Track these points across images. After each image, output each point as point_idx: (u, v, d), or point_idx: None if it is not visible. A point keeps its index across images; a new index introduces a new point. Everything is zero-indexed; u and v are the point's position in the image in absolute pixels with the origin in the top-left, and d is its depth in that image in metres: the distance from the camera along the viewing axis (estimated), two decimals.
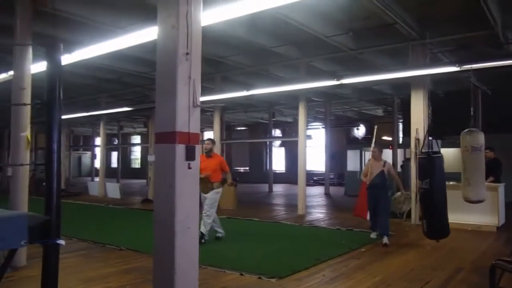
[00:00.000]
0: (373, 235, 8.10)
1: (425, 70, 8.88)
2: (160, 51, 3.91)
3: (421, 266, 6.12)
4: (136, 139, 35.73)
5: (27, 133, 5.87)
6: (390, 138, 18.47)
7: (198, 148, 3.96)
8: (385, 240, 7.54)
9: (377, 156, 8.09)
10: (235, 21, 6.54)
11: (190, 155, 3.80)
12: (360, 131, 24.21)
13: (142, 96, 16.41)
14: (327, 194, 18.74)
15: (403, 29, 8.54)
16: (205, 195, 7.52)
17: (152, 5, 6.60)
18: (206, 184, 7.41)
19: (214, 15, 5.26)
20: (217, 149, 14.36)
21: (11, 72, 7.07)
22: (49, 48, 3.41)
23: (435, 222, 6.06)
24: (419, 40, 9.09)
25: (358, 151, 18.51)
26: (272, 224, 10.33)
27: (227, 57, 10.95)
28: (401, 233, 8.68)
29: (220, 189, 7.79)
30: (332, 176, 21.87)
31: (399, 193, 9.61)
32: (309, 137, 15.01)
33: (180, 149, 3.74)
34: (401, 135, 19.22)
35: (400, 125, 19.48)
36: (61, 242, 3.04)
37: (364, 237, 8.20)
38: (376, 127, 10.17)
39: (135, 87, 15.05)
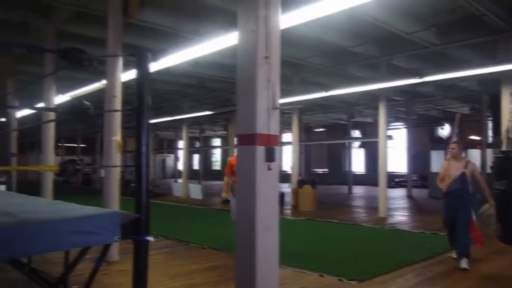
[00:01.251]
0: (453, 254, 6.46)
1: None
2: (241, 55, 4.02)
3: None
4: (217, 141, 36.78)
5: (118, 137, 6.29)
6: (478, 138, 17.40)
7: (277, 150, 4.02)
8: (464, 264, 5.90)
9: (456, 154, 6.38)
10: (312, 22, 6.54)
11: (269, 157, 3.87)
12: (445, 131, 23.05)
13: (222, 100, 16.89)
14: (409, 196, 18.07)
15: (491, 21, 8.04)
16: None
17: (232, 11, 6.83)
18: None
19: (292, 18, 5.31)
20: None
21: (104, 81, 7.62)
22: (138, 58, 3.65)
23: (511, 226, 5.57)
24: (509, 32, 8.50)
25: (443, 152, 17.64)
26: (352, 226, 10.17)
27: (305, 59, 10.94)
28: (490, 239, 8.15)
29: None
30: (414, 178, 21.04)
31: (487, 205, 6.57)
32: (390, 137, 14.57)
33: (260, 150, 3.82)
34: (490, 134, 18.03)
35: (490, 124, 18.28)
36: (150, 238, 3.24)
37: None
38: (458, 115, 8.11)
39: (216, 91, 15.52)
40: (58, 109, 6.55)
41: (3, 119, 13.81)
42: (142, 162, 3.38)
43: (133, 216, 3.01)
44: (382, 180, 12.07)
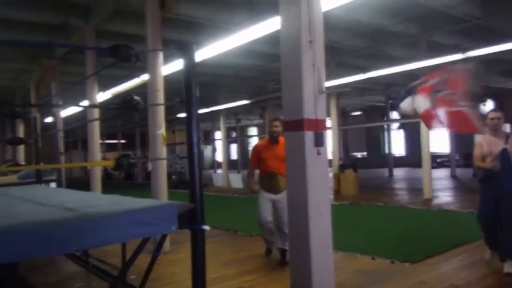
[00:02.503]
0: (488, 255, 5.20)
1: None
2: (284, 41, 4.00)
3: None
4: (253, 130, 36.86)
5: (162, 130, 6.40)
6: None
7: (325, 134, 4.00)
8: (508, 267, 4.68)
9: (497, 126, 4.86)
10: (349, 4, 6.42)
11: (319, 141, 3.86)
12: (487, 107, 22.28)
13: (258, 88, 16.88)
14: (453, 176, 17.64)
15: None
16: (276, 196, 5.42)
17: None
18: (277, 181, 5.38)
19: (331, 0, 5.23)
20: (330, 135, 14.29)
21: (143, 77, 7.75)
22: (184, 50, 3.70)
23: None
24: None
25: (486, 129, 17.09)
26: (398, 208, 10.02)
27: (341, 41, 10.77)
28: None
29: None
30: (457, 157, 20.48)
31: None
32: None
33: (309, 135, 3.81)
34: None
35: None
36: (206, 227, 3.31)
37: None
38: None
39: (251, 80, 15.51)
40: (110, 105, 6.70)
41: (50, 120, 14.31)
42: (194, 153, 3.43)
43: (188, 206, 3.07)
44: (426, 160, 11.82)
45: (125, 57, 3.69)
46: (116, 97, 12.10)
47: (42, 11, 8.18)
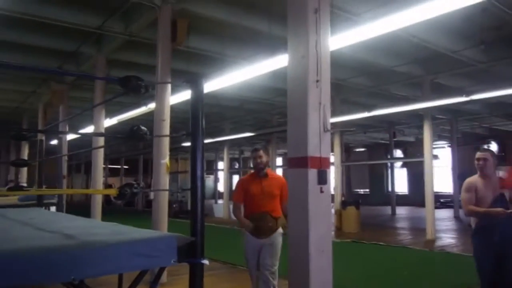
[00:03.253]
0: None
1: None
2: (291, 79, 4.08)
3: None
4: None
5: (166, 160, 6.43)
6: None
7: (329, 172, 4.02)
8: None
9: (483, 167, 4.27)
10: (357, 44, 6.56)
11: (322, 179, 3.87)
12: (491, 149, 22.29)
13: (262, 121, 17.01)
14: (456, 217, 17.47)
15: None
16: (263, 240, 4.42)
17: (276, 36, 6.95)
18: (266, 222, 4.39)
19: (340, 41, 5.34)
20: (333, 171, 14.25)
21: (150, 105, 7.85)
22: (193, 83, 3.77)
23: None
24: None
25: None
26: (400, 248, 9.91)
27: (347, 79, 10.92)
28: None
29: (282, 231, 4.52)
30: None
31: None
32: (435, 157, 14.21)
33: (312, 173, 3.83)
34: None
35: None
36: (206, 262, 3.28)
37: None
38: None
39: (256, 113, 15.66)
40: (116, 134, 6.69)
41: (55, 143, 14.41)
42: (198, 186, 3.44)
43: (188, 240, 3.06)
44: (429, 200, 11.74)
45: (135, 88, 3.77)
46: (121, 124, 12.21)
47: (56, 38, 8.36)
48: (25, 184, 12.79)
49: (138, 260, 2.90)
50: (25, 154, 15.02)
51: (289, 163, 4.11)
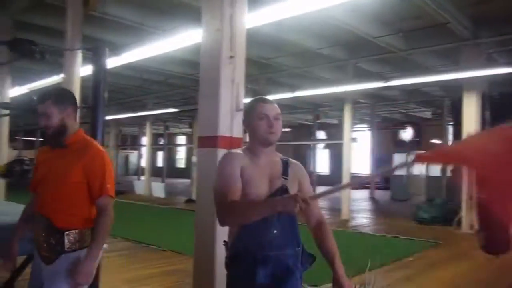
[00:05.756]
0: None
1: (478, 71, 8.47)
2: (204, 54, 3.87)
3: (474, 280, 5.80)
4: (182, 139, 36.34)
5: None
6: (439, 142, 17.83)
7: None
8: None
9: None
10: (280, 23, 6.45)
11: None
12: (407, 134, 23.52)
13: (187, 97, 16.62)
14: (372, 198, 18.32)
15: (456, 28, 8.16)
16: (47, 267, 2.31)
17: (197, 7, 6.66)
18: (43, 235, 2.32)
19: (260, 17, 5.19)
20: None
21: (62, 75, 7.30)
22: (94, 52, 3.45)
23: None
24: (473, 40, 8.66)
25: (405, 154, 17.99)
26: None
27: (273, 59, 10.86)
28: (451, 242, 8.30)
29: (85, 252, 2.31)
30: (377, 180, 21.38)
31: None
32: (354, 140, 14.69)
33: (222, 153, 3.67)
34: (451, 138, 18.52)
35: (450, 128, 18.77)
36: (104, 245, 3.04)
37: (411, 245, 7.89)
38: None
39: (181, 88, 15.24)
40: (9, 105, 6.06)
41: None
42: None
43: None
44: (346, 181, 12.13)
45: (27, 52, 3.38)
46: (33, 93, 11.35)
47: None
48: None
49: (25, 244, 2.63)
50: None
51: (198, 142, 3.92)
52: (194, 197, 15.83)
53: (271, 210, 1.88)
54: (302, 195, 1.80)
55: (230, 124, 3.75)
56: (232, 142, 3.75)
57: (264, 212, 1.91)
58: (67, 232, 2.28)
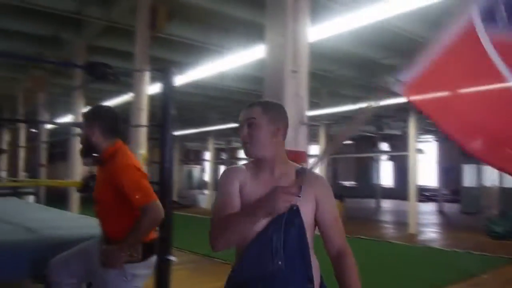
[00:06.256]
0: None
1: None
2: (268, 69, 3.94)
3: None
4: (242, 153, 36.77)
5: (143, 150, 6.27)
6: None
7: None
8: None
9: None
10: (341, 35, 6.42)
11: None
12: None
13: None
14: (440, 212, 17.56)
15: None
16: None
17: (260, 24, 6.78)
18: (102, 246, 2.50)
19: (321, 31, 5.21)
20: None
21: (131, 94, 7.68)
22: (163, 73, 3.61)
23: None
24: None
25: (475, 166, 17.13)
26: (382, 243, 9.88)
27: (333, 71, 10.79)
28: None
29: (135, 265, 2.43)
30: (445, 192, 20.48)
31: None
32: (420, 151, 14.21)
33: None
34: None
35: None
36: (173, 258, 3.16)
37: (485, 261, 7.47)
38: None
39: (242, 103, 15.47)
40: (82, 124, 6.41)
41: (34, 130, 14.12)
42: (166, 179, 3.32)
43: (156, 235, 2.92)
44: (412, 194, 11.74)
45: (102, 75, 3.60)
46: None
47: (35, 23, 8.09)
48: (4, 173, 12.54)
49: None
50: (4, 142, 14.72)
51: None
52: None
53: (252, 218, 1.56)
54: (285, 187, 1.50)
55: (295, 138, 3.76)
56: (297, 156, 3.76)
57: (243, 222, 1.59)
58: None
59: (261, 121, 1.69)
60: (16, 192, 6.82)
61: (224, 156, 31.93)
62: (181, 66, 8.39)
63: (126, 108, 10.66)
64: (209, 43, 8.39)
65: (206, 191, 23.51)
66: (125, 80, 8.05)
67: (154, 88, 6.85)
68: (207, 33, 8.21)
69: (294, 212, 1.62)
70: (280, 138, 1.74)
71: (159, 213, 2.40)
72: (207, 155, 23.11)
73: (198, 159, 34.53)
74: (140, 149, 6.17)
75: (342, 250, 1.78)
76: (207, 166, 21.58)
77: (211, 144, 19.30)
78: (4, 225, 3.53)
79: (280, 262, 1.60)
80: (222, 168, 33.49)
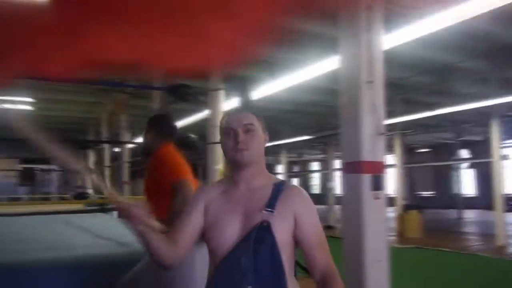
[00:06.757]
0: None
1: None
2: (343, 80, 3.95)
3: None
4: (315, 165, 36.53)
5: (220, 165, 6.46)
6: None
7: (384, 177, 3.83)
8: None
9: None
10: (415, 40, 6.25)
11: (377, 185, 3.69)
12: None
13: (320, 124, 16.78)
14: None
15: None
16: None
17: (329, 36, 6.79)
18: None
19: (395, 38, 5.13)
20: (394, 174, 13.72)
21: (206, 111, 7.97)
22: (240, 90, 3.74)
23: None
24: None
25: None
26: (467, 255, 9.36)
27: (407, 78, 10.50)
28: None
29: None
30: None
31: None
32: (505, 157, 13.36)
33: (366, 179, 3.66)
34: None
35: None
36: None
37: None
38: None
39: (314, 115, 15.46)
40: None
41: (117, 150, 15.02)
42: None
43: None
44: (499, 203, 11.05)
45: (183, 96, 3.80)
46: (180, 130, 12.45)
47: None
48: (91, 191, 13.39)
49: None
50: (91, 162, 15.75)
51: (344, 169, 3.96)
52: (332, 223, 15.75)
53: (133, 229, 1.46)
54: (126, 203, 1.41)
55: (373, 149, 3.73)
56: (375, 167, 3.72)
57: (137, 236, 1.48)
58: None
59: (258, 128, 1.62)
60: (103, 209, 7.25)
61: (296, 168, 31.98)
62: (254, 82, 8.56)
63: (201, 125, 11.06)
64: (278, 57, 8.50)
65: None
66: (200, 100, 8.39)
67: (228, 105, 7.08)
68: (275, 47, 8.33)
69: (264, 229, 1.47)
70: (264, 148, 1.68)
71: (190, 191, 2.64)
72: (280, 168, 23.21)
73: (270, 173, 34.67)
74: (217, 165, 6.36)
75: (327, 273, 1.55)
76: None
77: (283, 157, 19.38)
78: (101, 240, 3.77)
79: (249, 287, 1.43)
80: (294, 181, 33.51)
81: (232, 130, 1.57)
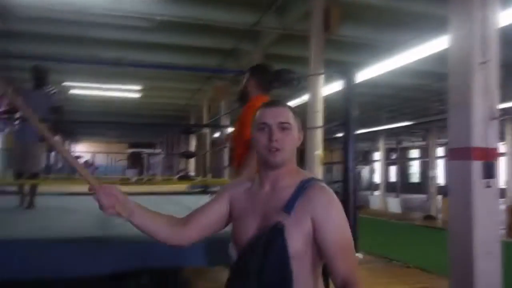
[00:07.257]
0: None
1: None
2: (453, 62, 3.74)
3: None
4: (414, 153, 34.98)
5: (320, 151, 6.46)
6: None
7: (497, 164, 3.59)
8: None
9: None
10: None
11: (488, 173, 3.48)
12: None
13: (421, 109, 16.02)
14: None
15: None
16: None
17: (435, 15, 6.45)
18: None
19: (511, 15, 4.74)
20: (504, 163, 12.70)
21: (304, 97, 7.99)
22: (345, 73, 3.71)
23: None
24: None
25: None
26: None
27: None
28: None
29: None
30: None
31: None
32: None
33: (477, 166, 3.46)
34: None
35: None
36: (360, 255, 3.24)
37: None
38: None
39: (414, 100, 14.80)
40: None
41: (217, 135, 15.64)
42: (349, 177, 3.39)
43: None
44: None
45: (287, 81, 3.85)
46: None
47: (216, 38, 8.99)
48: (193, 173, 14.12)
49: None
50: (192, 146, 16.57)
51: (449, 155, 3.77)
52: (433, 212, 15.08)
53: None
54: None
55: (484, 134, 3.51)
56: (487, 154, 3.51)
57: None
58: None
59: (293, 127, 1.50)
60: (206, 191, 7.62)
61: (394, 156, 30.85)
62: (354, 66, 8.41)
63: (301, 111, 11.14)
64: (380, 40, 8.24)
65: (375, 192, 23.05)
66: (303, 85, 8.42)
67: (327, 90, 7.04)
68: (378, 30, 8.08)
69: (277, 231, 1.37)
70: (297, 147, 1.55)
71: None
72: (377, 155, 22.61)
73: (367, 160, 33.96)
74: (317, 150, 6.37)
75: (346, 281, 1.38)
76: (377, 166, 21.07)
77: (381, 144, 18.84)
78: None
79: None
80: (392, 169, 32.41)
81: (266, 126, 1.46)
